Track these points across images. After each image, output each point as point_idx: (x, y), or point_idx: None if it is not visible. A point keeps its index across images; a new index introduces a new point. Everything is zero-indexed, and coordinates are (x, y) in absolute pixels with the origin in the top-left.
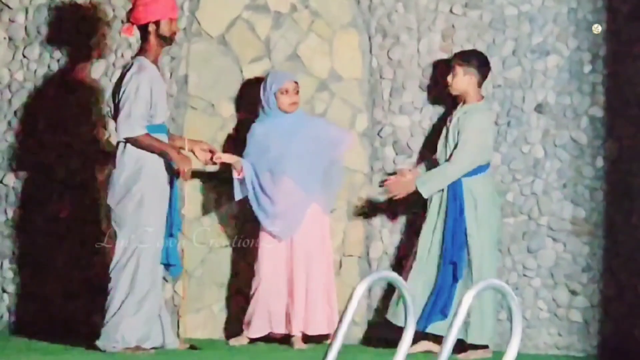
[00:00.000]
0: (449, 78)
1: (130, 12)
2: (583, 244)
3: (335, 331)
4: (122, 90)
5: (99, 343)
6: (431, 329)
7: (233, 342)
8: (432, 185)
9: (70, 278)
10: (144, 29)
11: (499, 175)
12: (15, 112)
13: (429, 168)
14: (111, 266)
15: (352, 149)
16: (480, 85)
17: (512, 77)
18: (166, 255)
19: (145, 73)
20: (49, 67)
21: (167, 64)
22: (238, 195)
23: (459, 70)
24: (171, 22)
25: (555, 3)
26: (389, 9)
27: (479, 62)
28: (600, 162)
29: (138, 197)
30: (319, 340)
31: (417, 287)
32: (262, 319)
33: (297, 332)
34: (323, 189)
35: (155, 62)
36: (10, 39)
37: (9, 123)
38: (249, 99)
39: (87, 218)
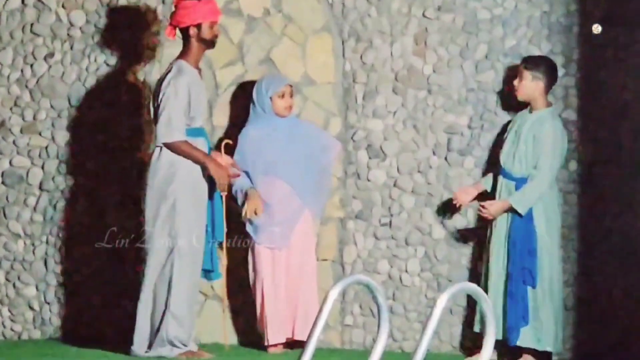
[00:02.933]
0: (516, 82)
1: (172, 15)
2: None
3: (309, 335)
4: (161, 94)
5: (154, 351)
6: (521, 341)
7: (272, 351)
8: (528, 202)
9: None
10: (185, 32)
11: (472, 179)
12: None
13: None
14: (146, 270)
15: (339, 157)
16: (547, 91)
17: (486, 80)
18: (208, 260)
19: (183, 76)
20: (22, 72)
21: (141, 69)
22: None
23: (527, 75)
24: (212, 26)
25: (529, 6)
26: (362, 13)
27: (547, 68)
28: (573, 165)
29: (172, 200)
30: (294, 345)
31: (495, 297)
32: (277, 326)
33: (301, 337)
34: (315, 195)
35: (196, 65)
36: None
37: None
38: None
39: (96, 216)
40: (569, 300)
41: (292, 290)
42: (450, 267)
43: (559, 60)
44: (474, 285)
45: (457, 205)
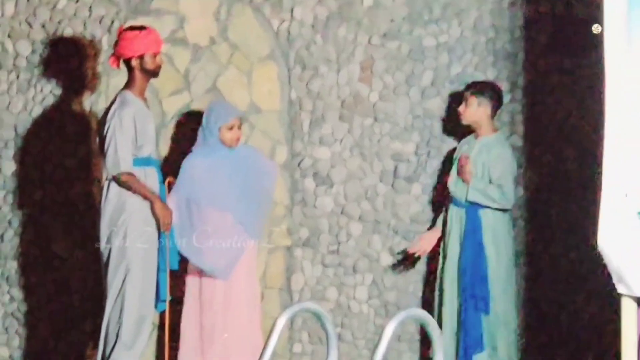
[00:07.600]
0: (461, 108)
1: (115, 45)
2: None
3: None
4: (106, 126)
5: None
6: None
7: None
8: (479, 196)
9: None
10: (128, 63)
11: (421, 205)
12: None
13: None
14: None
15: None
16: (493, 116)
17: (432, 107)
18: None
19: (128, 107)
20: None
21: (87, 98)
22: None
23: (473, 100)
24: (155, 56)
25: (474, 33)
26: (308, 40)
27: (492, 92)
28: (520, 191)
29: (123, 230)
30: None
31: (451, 326)
32: (197, 355)
33: None
34: (258, 223)
35: (141, 95)
36: None
37: None
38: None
39: (43, 247)
40: (519, 327)
41: (234, 320)
42: (398, 294)
43: (504, 87)
44: (421, 311)
45: (417, 255)
